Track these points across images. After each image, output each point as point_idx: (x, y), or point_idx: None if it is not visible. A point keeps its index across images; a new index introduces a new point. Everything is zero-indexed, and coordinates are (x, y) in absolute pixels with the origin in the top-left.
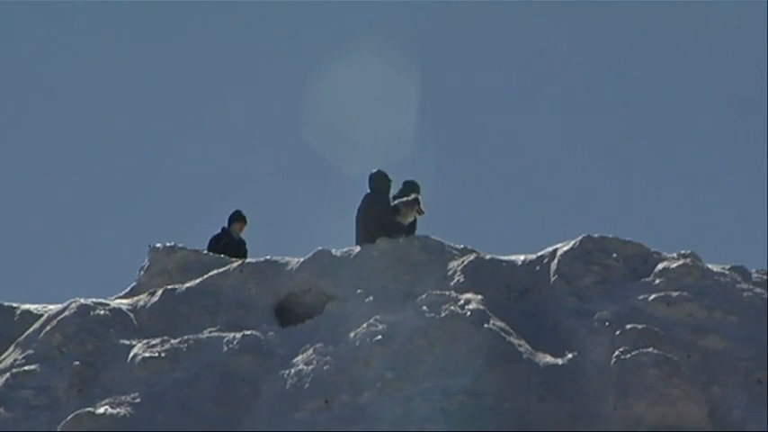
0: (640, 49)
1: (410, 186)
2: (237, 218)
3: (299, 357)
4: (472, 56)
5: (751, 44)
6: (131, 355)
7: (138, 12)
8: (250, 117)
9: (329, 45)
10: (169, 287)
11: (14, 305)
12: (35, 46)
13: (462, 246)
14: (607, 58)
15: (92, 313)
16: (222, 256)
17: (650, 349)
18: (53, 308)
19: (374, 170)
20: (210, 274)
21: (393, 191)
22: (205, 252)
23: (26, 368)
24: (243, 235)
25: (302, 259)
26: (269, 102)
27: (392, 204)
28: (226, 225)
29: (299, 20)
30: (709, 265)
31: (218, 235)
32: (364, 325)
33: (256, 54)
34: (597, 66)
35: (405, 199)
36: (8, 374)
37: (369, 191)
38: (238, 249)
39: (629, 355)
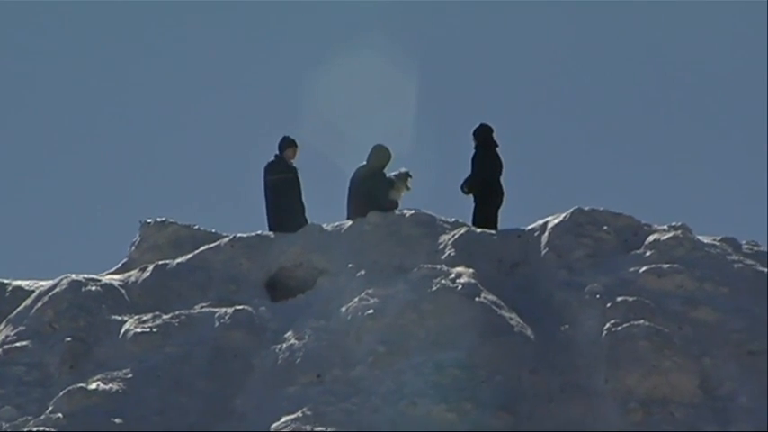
0: (636, 35)
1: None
2: (289, 143)
3: (291, 332)
4: (470, 52)
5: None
6: (123, 330)
7: (138, 8)
8: (248, 113)
9: (327, 42)
10: (160, 262)
11: (5, 281)
12: (42, 34)
13: (453, 219)
14: (603, 51)
15: (83, 289)
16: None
17: (641, 321)
18: (44, 284)
19: (378, 143)
20: (202, 249)
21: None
22: (198, 227)
23: (18, 344)
24: (294, 162)
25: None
26: (267, 98)
27: (388, 178)
28: (277, 152)
29: (298, 17)
30: (700, 237)
31: (274, 162)
32: (356, 299)
33: (255, 50)
34: (593, 58)
35: (398, 172)
36: (0, 351)
37: (365, 162)
38: (295, 176)
39: (620, 328)
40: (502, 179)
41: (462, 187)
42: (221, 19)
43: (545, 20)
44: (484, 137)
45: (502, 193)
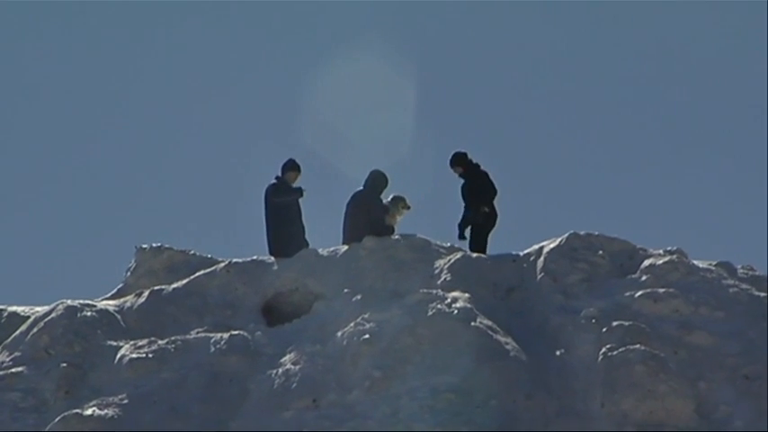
0: (632, 48)
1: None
2: (292, 166)
3: (287, 357)
4: (469, 55)
5: (746, 43)
6: (119, 356)
7: (135, 10)
8: (246, 116)
9: (326, 44)
10: (156, 288)
11: (1, 307)
12: (28, 45)
13: (449, 244)
14: (601, 58)
15: (79, 315)
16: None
17: (637, 346)
18: (40, 310)
19: (375, 169)
20: (197, 274)
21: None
22: (193, 252)
23: (13, 370)
24: (296, 185)
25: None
26: (266, 101)
27: (383, 204)
28: (279, 174)
29: (297, 19)
30: (696, 262)
31: (276, 184)
32: (352, 324)
33: (253, 53)
34: (591, 65)
35: (390, 198)
36: None
37: (361, 187)
38: (296, 199)
39: (615, 352)
40: (495, 202)
41: (460, 226)
42: (220, 20)
43: (544, 25)
44: (465, 165)
45: (495, 216)
